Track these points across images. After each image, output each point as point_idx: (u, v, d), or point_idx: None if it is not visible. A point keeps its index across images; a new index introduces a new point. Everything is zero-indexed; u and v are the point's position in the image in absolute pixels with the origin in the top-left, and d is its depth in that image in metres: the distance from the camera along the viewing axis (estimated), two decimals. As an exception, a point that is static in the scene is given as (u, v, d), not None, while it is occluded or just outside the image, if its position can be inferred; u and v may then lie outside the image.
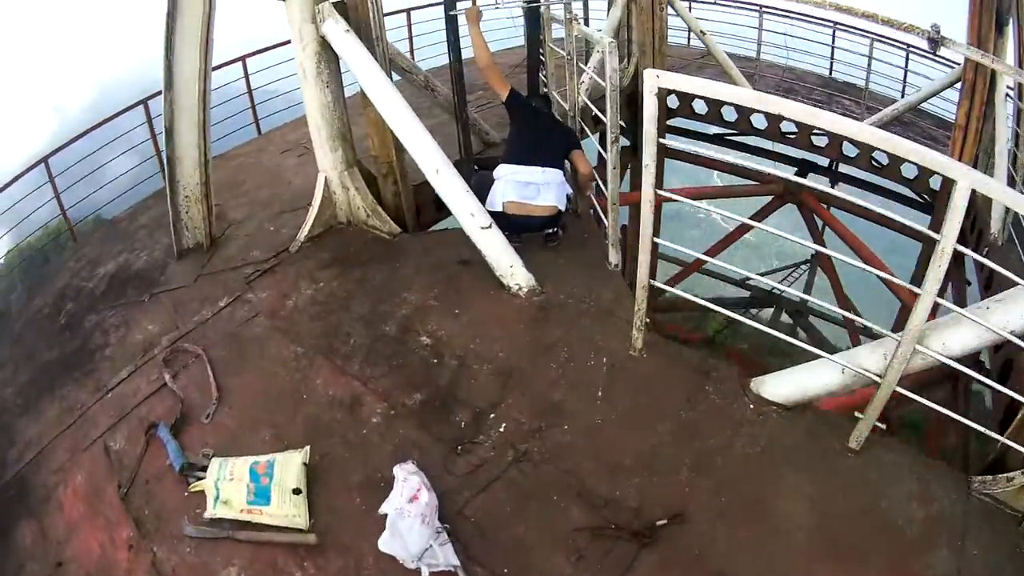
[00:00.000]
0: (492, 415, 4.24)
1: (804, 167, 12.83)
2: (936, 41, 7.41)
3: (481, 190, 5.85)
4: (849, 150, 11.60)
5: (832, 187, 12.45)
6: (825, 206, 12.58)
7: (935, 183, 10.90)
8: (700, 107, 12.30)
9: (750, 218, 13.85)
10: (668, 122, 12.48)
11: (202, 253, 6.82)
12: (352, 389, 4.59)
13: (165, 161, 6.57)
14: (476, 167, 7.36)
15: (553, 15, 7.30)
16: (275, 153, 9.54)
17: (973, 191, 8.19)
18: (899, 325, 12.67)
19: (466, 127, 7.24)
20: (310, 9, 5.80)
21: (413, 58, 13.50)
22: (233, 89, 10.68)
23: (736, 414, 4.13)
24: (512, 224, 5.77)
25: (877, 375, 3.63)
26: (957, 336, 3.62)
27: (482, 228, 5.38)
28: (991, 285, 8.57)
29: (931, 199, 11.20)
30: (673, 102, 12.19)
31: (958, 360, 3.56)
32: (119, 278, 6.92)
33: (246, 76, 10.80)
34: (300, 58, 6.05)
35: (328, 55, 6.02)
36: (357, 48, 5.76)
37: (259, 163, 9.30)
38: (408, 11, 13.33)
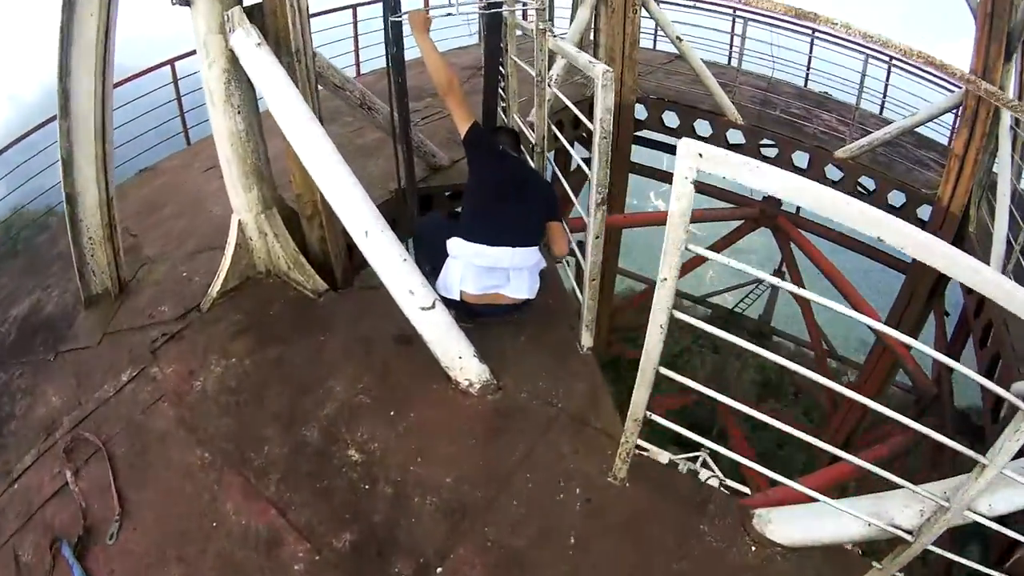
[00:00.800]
0: (439, 569, 3.47)
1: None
2: None
3: (428, 242, 5.06)
4: (833, 174, 11.15)
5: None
6: (801, 231, 12.26)
7: (923, 213, 10.56)
8: (671, 119, 11.79)
9: (724, 238, 13.48)
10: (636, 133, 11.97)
11: (110, 302, 5.97)
12: (269, 520, 3.78)
13: (64, 198, 5.66)
14: (420, 204, 6.64)
15: (519, 22, 6.49)
16: (199, 171, 8.74)
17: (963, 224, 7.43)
18: (873, 356, 12.58)
19: (410, 152, 6.35)
20: (217, 17, 4.75)
21: (358, 60, 12.72)
22: (165, 94, 10.34)
23: (736, 559, 3.47)
24: (469, 310, 4.91)
25: (908, 532, 3.08)
26: (1009, 497, 3.09)
27: (423, 309, 4.36)
28: (985, 335, 8.37)
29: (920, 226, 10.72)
30: (641, 113, 11.63)
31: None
32: (30, 324, 6.15)
33: (175, 81, 10.31)
34: (206, 78, 5.02)
35: (240, 74, 4.96)
36: (270, 67, 4.67)
37: (181, 184, 8.51)
38: (354, 7, 12.53)
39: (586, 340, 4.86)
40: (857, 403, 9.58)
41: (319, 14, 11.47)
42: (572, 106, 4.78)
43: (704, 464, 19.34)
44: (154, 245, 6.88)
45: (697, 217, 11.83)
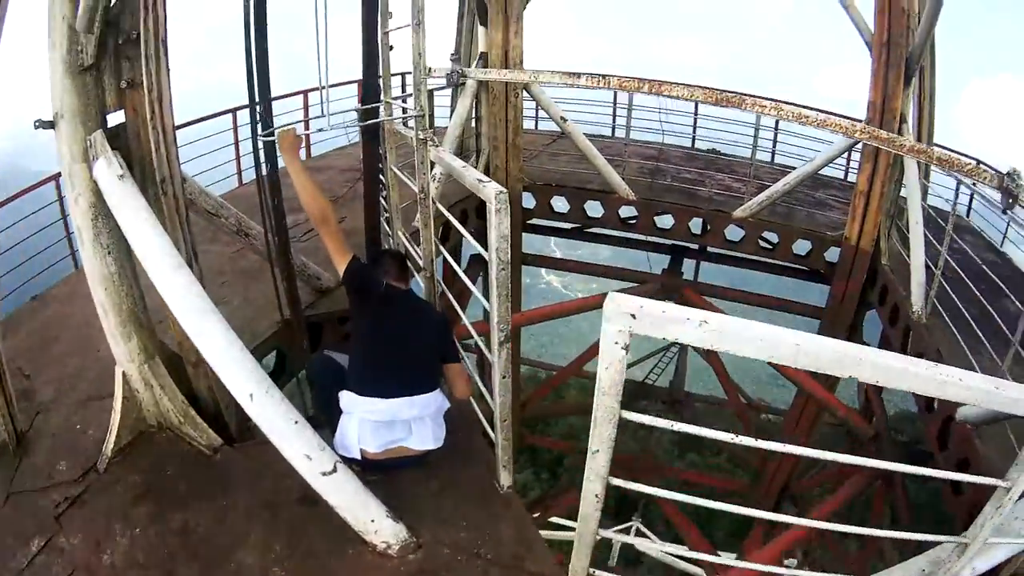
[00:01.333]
0: None
1: (678, 253, 12.50)
2: (1012, 195, 6.32)
3: (321, 389, 4.81)
4: (734, 234, 11.28)
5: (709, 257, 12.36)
6: (705, 298, 12.35)
7: (831, 255, 10.75)
8: (561, 205, 11.79)
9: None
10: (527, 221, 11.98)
11: (10, 458, 5.35)
12: None
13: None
14: (310, 333, 6.31)
15: (399, 129, 5.99)
16: (88, 300, 8.07)
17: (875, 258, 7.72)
18: (797, 404, 12.68)
19: (292, 280, 6.02)
20: (80, 142, 4.19)
21: (240, 168, 12.18)
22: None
23: None
24: (373, 465, 4.55)
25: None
26: (990, 555, 3.28)
27: (324, 474, 3.88)
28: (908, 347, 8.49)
29: (827, 272, 11.05)
30: (528, 201, 11.62)
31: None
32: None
33: (59, 199, 9.51)
34: (73, 213, 4.49)
35: (108, 209, 4.34)
36: (134, 204, 4.12)
37: (70, 316, 7.84)
38: (233, 111, 11.97)
39: (505, 479, 4.57)
40: (799, 431, 9.41)
41: (193, 122, 11.02)
42: (461, 227, 4.67)
43: (638, 532, 19.07)
44: (48, 387, 6.33)
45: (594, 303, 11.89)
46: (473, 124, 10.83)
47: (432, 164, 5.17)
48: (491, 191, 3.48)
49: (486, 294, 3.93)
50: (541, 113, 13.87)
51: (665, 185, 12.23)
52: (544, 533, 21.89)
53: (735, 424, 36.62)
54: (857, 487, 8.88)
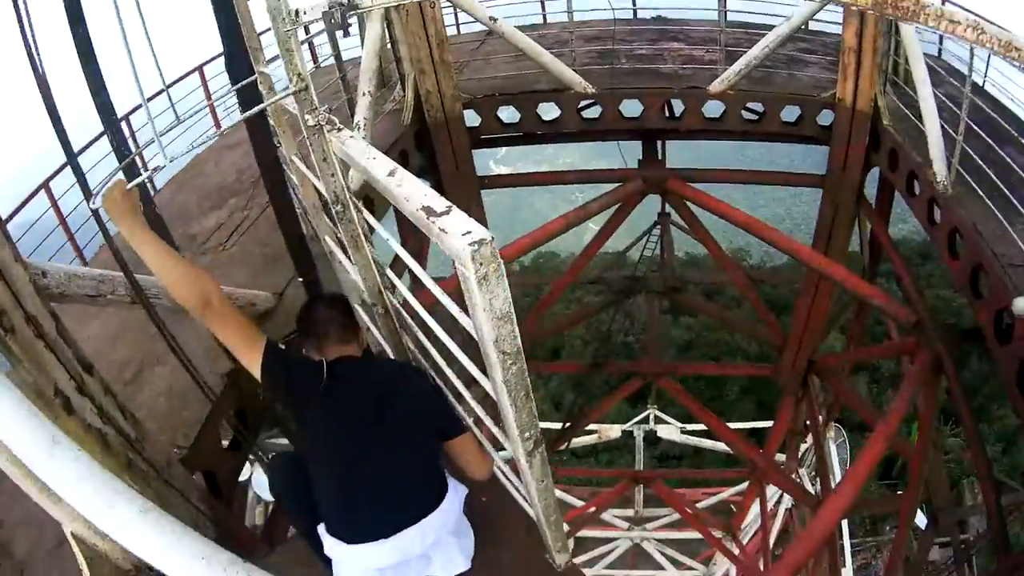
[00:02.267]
0: None
1: (652, 136, 11.40)
2: None
3: (294, 508, 3.56)
4: (713, 109, 10.30)
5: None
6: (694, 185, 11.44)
7: (824, 119, 9.92)
8: (510, 115, 10.66)
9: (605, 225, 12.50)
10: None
11: None
12: None
13: None
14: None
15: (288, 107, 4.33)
16: None
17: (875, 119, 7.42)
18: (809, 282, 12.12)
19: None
20: None
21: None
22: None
23: None
24: None
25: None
26: None
27: None
28: (952, 243, 7.63)
29: (822, 135, 10.19)
30: (473, 119, 10.46)
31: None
32: None
33: None
34: None
35: None
36: None
37: None
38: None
39: (561, 558, 3.71)
40: (813, 321, 8.79)
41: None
42: (415, 265, 3.07)
43: (657, 420, 18.91)
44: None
45: (573, 221, 10.87)
46: (390, 48, 9.61)
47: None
48: (461, 248, 2.01)
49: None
50: (462, 16, 12.71)
51: (624, 69, 11.08)
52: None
53: (741, 304, 36.70)
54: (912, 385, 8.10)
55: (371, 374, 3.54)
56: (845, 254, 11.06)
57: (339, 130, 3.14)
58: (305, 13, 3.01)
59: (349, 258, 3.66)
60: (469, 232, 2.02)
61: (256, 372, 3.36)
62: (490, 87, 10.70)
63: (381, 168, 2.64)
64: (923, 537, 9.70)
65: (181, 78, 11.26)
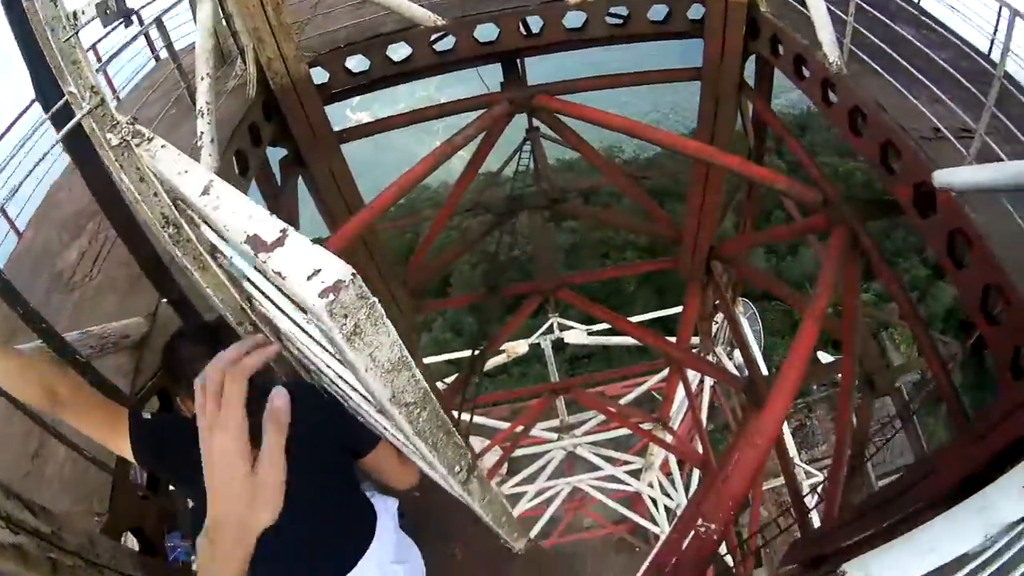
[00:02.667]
0: None
1: (512, 56, 11.01)
2: None
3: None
4: (574, 20, 9.99)
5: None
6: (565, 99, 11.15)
7: (695, 12, 9.76)
8: (358, 64, 10.13)
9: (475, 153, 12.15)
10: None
11: None
12: None
13: None
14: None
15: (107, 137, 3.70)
16: None
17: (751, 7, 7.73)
18: (697, 172, 12.04)
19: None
20: None
21: None
22: None
23: None
24: None
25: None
26: None
27: None
28: (854, 122, 7.55)
29: (694, 30, 9.98)
30: (321, 76, 9.96)
31: None
32: None
33: None
34: None
35: None
36: None
37: None
38: None
39: (520, 543, 3.65)
40: (707, 210, 8.79)
41: None
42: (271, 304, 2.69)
43: (561, 327, 19.06)
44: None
45: (438, 159, 10.43)
46: (224, 24, 8.94)
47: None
48: (310, 301, 1.51)
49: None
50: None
51: (474, -7, 10.55)
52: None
53: (620, 199, 36.81)
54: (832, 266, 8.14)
55: (258, 409, 3.05)
56: (731, 141, 11.00)
57: (150, 140, 2.66)
58: (83, 12, 2.58)
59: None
60: (318, 272, 1.51)
61: (128, 455, 3.04)
62: (335, 39, 10.14)
63: (193, 185, 2.18)
64: (864, 401, 9.88)
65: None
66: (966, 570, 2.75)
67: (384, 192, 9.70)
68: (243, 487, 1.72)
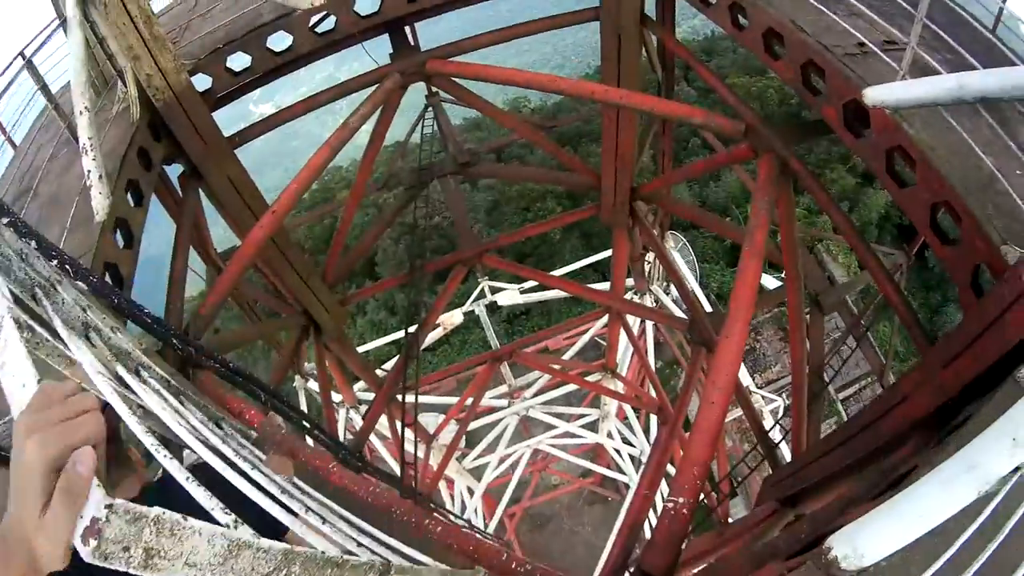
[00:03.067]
0: None
1: (399, 25, 10.62)
2: None
3: None
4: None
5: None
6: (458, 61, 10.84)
7: None
8: (240, 61, 9.71)
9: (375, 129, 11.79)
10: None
11: None
12: None
13: None
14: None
15: None
16: None
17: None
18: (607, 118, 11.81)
19: None
20: None
21: None
22: None
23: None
24: None
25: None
26: None
27: None
28: (770, 45, 7.39)
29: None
30: (204, 82, 9.47)
31: None
32: None
33: None
34: None
35: None
36: None
37: None
38: None
39: None
40: (623, 153, 8.59)
41: None
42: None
43: (493, 290, 18.83)
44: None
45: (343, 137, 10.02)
46: (100, 48, 8.45)
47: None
48: (81, 548, 1.34)
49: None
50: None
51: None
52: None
53: (537, 154, 36.46)
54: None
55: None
56: (638, 77, 10.75)
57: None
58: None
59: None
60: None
61: None
62: (214, 40, 9.69)
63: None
64: (814, 321, 9.78)
65: None
66: (966, 534, 2.61)
67: (284, 193, 9.29)
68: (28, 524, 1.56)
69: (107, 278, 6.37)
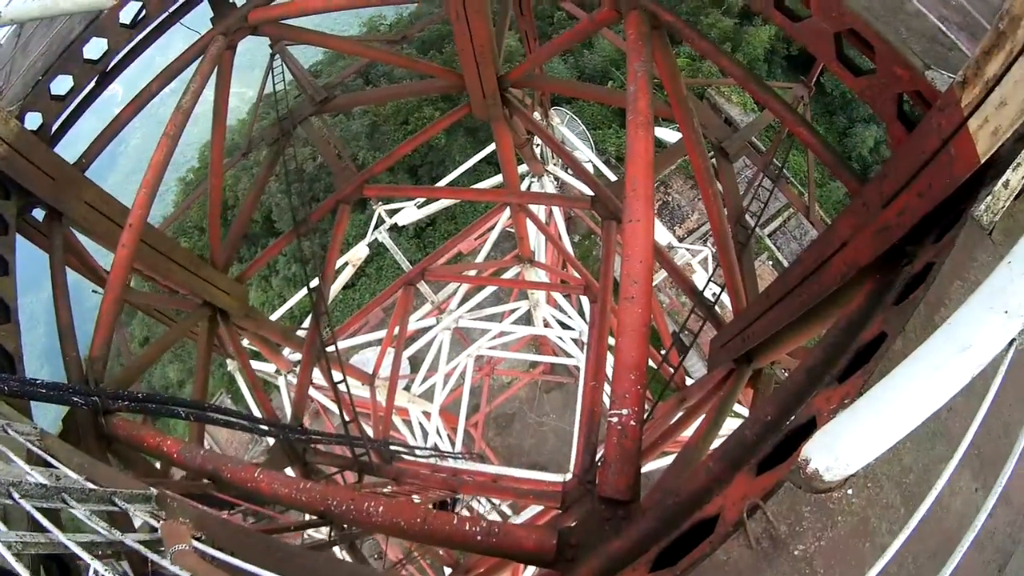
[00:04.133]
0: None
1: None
2: None
3: None
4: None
5: None
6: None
7: None
8: (64, 84, 9.23)
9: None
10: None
11: None
12: None
13: None
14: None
15: None
16: None
17: None
18: None
19: None
20: None
21: None
22: None
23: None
24: None
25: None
26: None
27: None
28: None
29: None
30: (35, 120, 9.02)
31: None
32: None
33: None
34: None
35: None
36: None
37: None
38: None
39: None
40: (479, 44, 8.32)
41: None
42: None
43: (390, 213, 18.52)
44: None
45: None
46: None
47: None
48: None
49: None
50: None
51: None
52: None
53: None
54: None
55: None
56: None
57: None
58: None
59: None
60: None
61: None
62: (34, 74, 9.04)
63: None
64: (723, 170, 9.62)
65: None
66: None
67: (135, 203, 8.77)
68: None
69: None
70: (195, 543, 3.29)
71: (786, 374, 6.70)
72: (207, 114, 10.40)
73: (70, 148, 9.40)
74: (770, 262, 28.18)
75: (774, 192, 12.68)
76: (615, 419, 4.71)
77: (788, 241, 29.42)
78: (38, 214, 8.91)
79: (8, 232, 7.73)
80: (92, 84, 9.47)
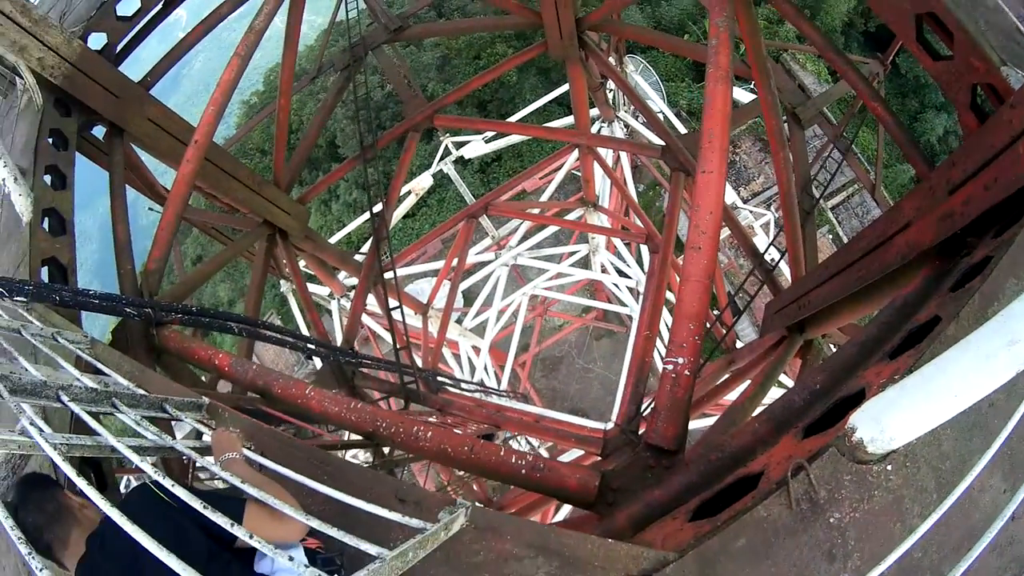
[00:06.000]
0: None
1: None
2: None
3: None
4: None
5: None
6: None
7: None
8: (131, 5, 9.32)
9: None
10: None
11: None
12: None
13: None
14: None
15: None
16: None
17: None
18: None
19: None
20: None
21: None
22: None
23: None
24: None
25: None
26: None
27: None
28: None
29: None
30: (99, 40, 9.16)
31: None
32: None
33: None
34: None
35: None
36: None
37: None
38: None
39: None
40: None
41: None
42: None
43: (457, 145, 18.59)
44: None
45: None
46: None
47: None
48: None
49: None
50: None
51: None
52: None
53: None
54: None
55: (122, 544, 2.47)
56: None
57: None
58: None
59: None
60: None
61: None
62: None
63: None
64: (793, 136, 9.52)
65: None
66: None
67: (202, 120, 8.83)
68: None
69: (48, 276, 6.29)
70: (246, 451, 3.32)
71: (835, 350, 6.64)
72: (272, 38, 10.40)
73: (134, 69, 9.49)
74: (830, 236, 27.67)
75: (842, 165, 12.45)
76: (670, 366, 4.71)
77: (850, 217, 28.84)
78: (98, 133, 9.03)
79: (68, 148, 7.86)
80: (159, 6, 9.55)
